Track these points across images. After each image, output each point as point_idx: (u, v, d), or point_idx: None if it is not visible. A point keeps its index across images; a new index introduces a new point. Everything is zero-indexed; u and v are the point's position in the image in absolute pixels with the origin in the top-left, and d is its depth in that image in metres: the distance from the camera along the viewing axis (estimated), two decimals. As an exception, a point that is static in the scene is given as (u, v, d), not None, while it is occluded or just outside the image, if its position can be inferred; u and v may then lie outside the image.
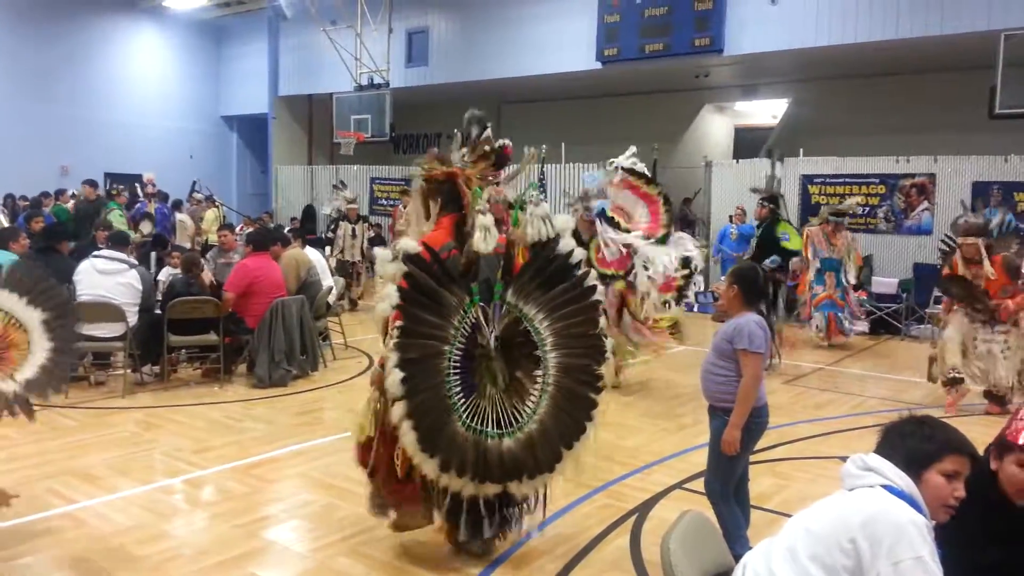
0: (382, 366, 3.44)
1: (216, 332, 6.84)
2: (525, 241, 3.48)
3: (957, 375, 6.47)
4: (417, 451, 3.29)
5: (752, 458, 5.35)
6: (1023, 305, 6.32)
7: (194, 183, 16.23)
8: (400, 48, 15.77)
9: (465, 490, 3.37)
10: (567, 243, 3.47)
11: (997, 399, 6.52)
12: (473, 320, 3.42)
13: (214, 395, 6.65)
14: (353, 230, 11.81)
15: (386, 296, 3.36)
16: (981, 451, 2.33)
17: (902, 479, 2.01)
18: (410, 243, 3.38)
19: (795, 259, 8.68)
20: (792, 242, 8.22)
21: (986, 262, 6.40)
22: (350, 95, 15.76)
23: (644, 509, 4.35)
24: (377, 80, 15.42)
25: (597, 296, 3.53)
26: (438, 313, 3.36)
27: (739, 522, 3.60)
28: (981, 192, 10.72)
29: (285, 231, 10.43)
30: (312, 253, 8.48)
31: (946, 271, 6.82)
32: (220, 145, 19.69)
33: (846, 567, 1.91)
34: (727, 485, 3.64)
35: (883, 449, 2.11)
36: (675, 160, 15.68)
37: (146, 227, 11.45)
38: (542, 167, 13.80)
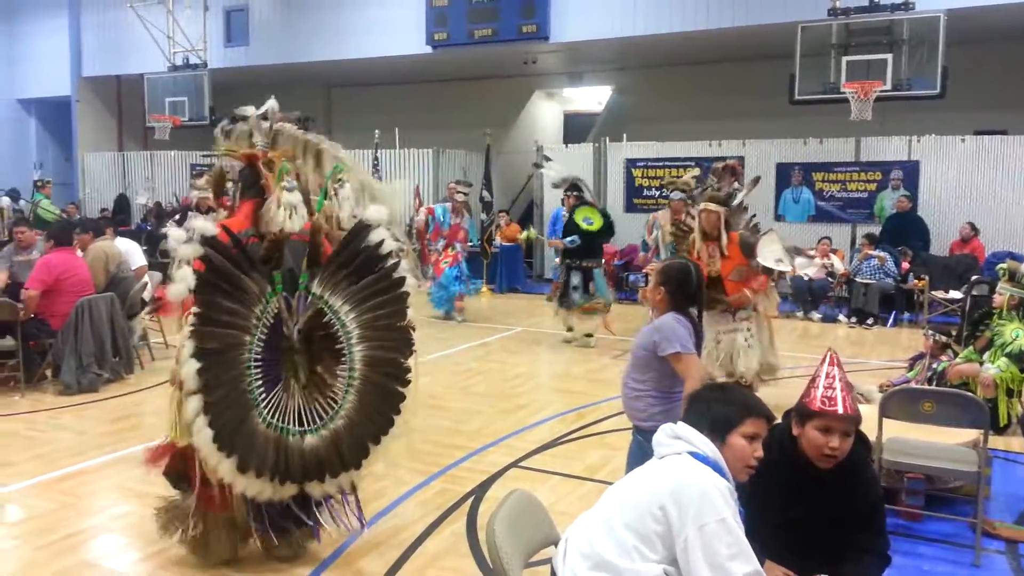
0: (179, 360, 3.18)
1: (14, 336, 6.23)
2: (331, 227, 3.37)
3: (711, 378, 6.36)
4: (213, 450, 3.07)
5: (583, 432, 5.60)
6: (761, 289, 6.11)
7: None
8: (218, 27, 14.93)
9: (263, 493, 3.19)
10: (377, 234, 3.37)
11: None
12: (276, 310, 3.24)
13: (14, 405, 6.05)
14: None
15: (180, 278, 3.09)
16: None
17: (707, 445, 2.13)
18: (207, 224, 3.16)
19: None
20: (595, 224, 8.35)
21: (724, 236, 6.02)
22: (164, 76, 14.76)
23: (480, 491, 4.39)
24: (193, 60, 14.53)
25: (406, 288, 3.47)
26: (239, 301, 3.15)
27: None
28: (785, 172, 11.68)
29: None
30: (124, 244, 7.87)
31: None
32: (17, 131, 17.88)
33: (657, 533, 2.00)
34: None
35: (690, 417, 2.23)
36: (508, 145, 15.92)
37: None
38: (376, 152, 13.58)
